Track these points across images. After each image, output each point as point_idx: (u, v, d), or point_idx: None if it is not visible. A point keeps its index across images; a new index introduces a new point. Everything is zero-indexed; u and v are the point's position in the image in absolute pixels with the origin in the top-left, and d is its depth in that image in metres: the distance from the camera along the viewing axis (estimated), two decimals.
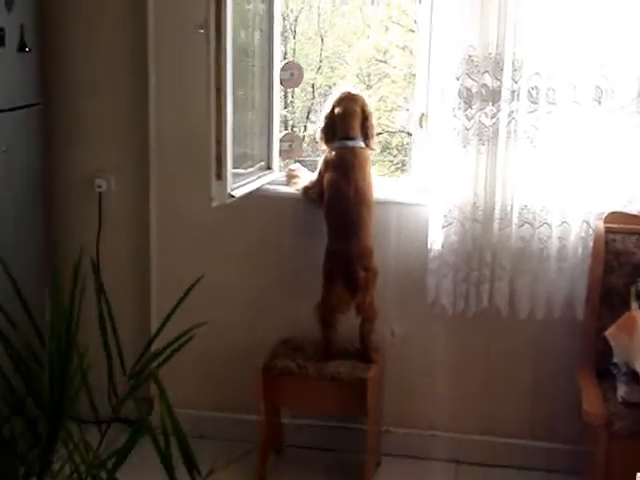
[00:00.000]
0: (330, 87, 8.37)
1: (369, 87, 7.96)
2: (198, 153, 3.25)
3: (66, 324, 1.73)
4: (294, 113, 8.30)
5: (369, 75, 8.31)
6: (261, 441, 3.37)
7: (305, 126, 8.46)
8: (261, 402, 3.34)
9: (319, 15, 8.40)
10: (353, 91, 3.49)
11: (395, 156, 8.30)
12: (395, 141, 8.39)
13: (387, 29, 8.21)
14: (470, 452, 3.58)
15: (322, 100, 8.35)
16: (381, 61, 8.21)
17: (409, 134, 8.32)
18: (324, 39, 8.43)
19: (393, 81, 8.22)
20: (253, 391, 3.37)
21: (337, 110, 3.42)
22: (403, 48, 8.09)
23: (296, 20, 8.13)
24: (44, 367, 1.87)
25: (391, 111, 8.37)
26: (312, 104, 8.47)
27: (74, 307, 1.78)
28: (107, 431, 1.96)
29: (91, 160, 3.67)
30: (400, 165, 8.27)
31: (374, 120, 3.50)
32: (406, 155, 8.17)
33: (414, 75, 8.10)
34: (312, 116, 8.48)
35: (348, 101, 3.43)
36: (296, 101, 8.32)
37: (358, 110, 3.42)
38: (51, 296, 1.84)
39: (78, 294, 1.84)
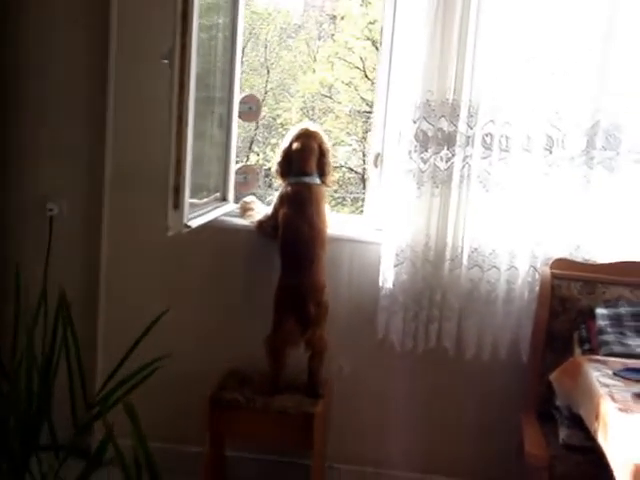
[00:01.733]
0: (274, 119, 8.42)
1: (313, 121, 8.02)
2: (153, 181, 3.26)
3: (49, 350, 1.71)
4: (237, 144, 8.27)
5: (313, 109, 8.37)
6: (204, 473, 3.35)
7: (247, 157, 8.46)
8: (206, 433, 3.32)
9: (266, 47, 8.45)
10: (311, 127, 3.53)
11: (336, 191, 8.35)
12: (336, 176, 8.44)
13: (333, 65, 8.30)
14: None
15: (265, 132, 8.41)
16: (326, 96, 8.28)
17: (351, 169, 8.41)
18: (270, 71, 8.47)
19: (337, 116, 8.29)
20: (197, 422, 3.36)
21: (295, 145, 3.45)
22: (348, 84, 8.19)
23: (242, 51, 8.15)
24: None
25: (334, 146, 8.43)
26: (255, 135, 8.49)
27: (56, 339, 1.76)
28: (66, 460, 1.94)
29: (44, 182, 3.63)
30: (340, 200, 8.33)
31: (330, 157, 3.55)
32: (347, 190, 8.27)
33: (358, 111, 8.23)
34: (255, 147, 8.50)
35: (306, 137, 3.47)
36: (239, 131, 8.31)
37: (315, 147, 3.45)
38: (20, 322, 1.82)
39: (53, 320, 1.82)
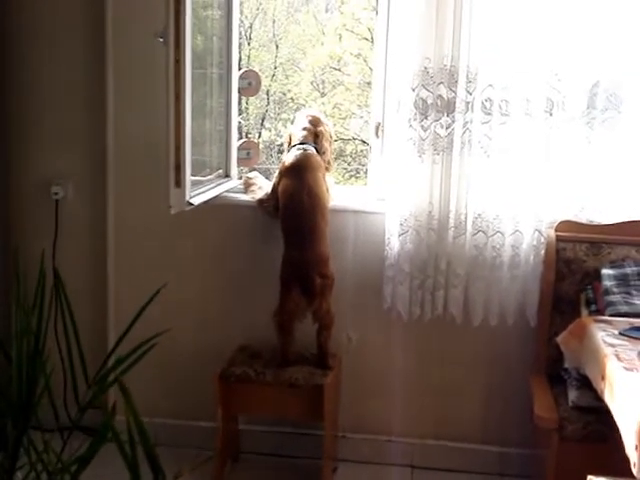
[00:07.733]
0: (285, 94, 8.39)
1: (323, 95, 7.98)
2: (156, 160, 3.26)
3: (36, 329, 1.73)
4: (248, 120, 8.27)
5: (323, 82, 8.33)
6: (219, 448, 3.37)
7: (259, 133, 8.44)
8: (218, 409, 3.35)
9: (274, 22, 8.40)
10: (317, 115, 3.63)
11: (349, 163, 8.31)
12: (349, 148, 8.40)
13: (341, 37, 8.24)
14: (425, 457, 3.63)
15: (276, 107, 8.39)
16: (335, 69, 8.23)
17: (363, 142, 8.40)
18: (279, 46, 8.42)
19: (347, 89, 8.24)
20: (210, 398, 3.39)
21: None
22: (357, 56, 8.13)
23: (251, 27, 8.12)
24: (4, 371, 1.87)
25: (345, 119, 8.38)
26: (266, 111, 8.46)
27: (42, 312, 1.78)
28: (68, 439, 1.96)
29: (48, 166, 3.65)
30: (354, 172, 8.30)
31: (331, 144, 3.62)
32: (360, 162, 8.24)
33: (368, 83, 8.22)
34: (266, 123, 8.48)
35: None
36: (250, 107, 8.30)
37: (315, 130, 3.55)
38: (15, 302, 1.84)
39: (40, 300, 1.84)
